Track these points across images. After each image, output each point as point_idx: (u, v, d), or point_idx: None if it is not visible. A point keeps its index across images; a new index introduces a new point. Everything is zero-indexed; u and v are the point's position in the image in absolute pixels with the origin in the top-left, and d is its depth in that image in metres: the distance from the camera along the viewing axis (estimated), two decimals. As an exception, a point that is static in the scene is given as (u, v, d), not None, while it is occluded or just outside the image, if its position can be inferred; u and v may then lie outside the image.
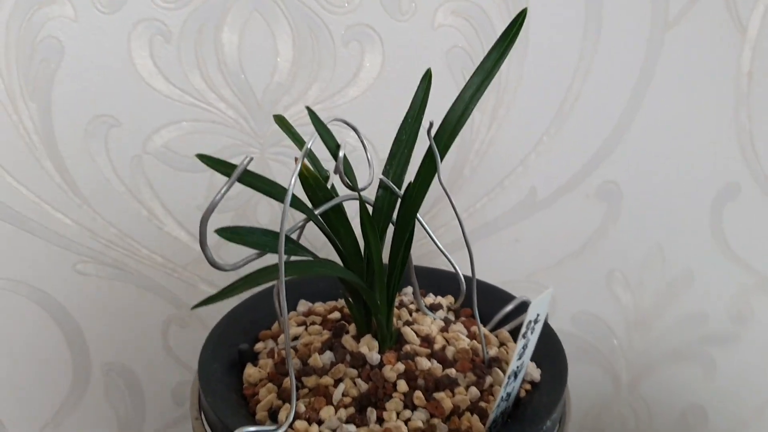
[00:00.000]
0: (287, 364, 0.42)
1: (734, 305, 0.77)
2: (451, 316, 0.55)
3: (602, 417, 0.83)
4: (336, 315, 0.54)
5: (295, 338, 0.52)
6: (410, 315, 0.52)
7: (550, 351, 0.50)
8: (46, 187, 0.64)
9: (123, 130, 0.63)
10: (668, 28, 0.64)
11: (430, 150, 0.45)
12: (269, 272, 0.40)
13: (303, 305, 0.58)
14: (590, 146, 0.69)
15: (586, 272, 0.74)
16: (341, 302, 0.57)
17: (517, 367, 0.44)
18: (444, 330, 0.52)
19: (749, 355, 0.80)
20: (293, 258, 0.48)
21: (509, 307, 0.55)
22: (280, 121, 0.48)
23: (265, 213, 0.68)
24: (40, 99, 0.61)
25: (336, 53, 0.63)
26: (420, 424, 0.44)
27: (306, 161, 0.44)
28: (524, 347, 0.43)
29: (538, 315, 0.42)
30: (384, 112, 0.65)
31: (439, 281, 0.59)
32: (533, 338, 0.44)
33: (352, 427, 0.43)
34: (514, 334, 0.54)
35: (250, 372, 0.48)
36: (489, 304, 0.55)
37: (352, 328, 0.51)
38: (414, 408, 0.45)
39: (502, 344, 0.52)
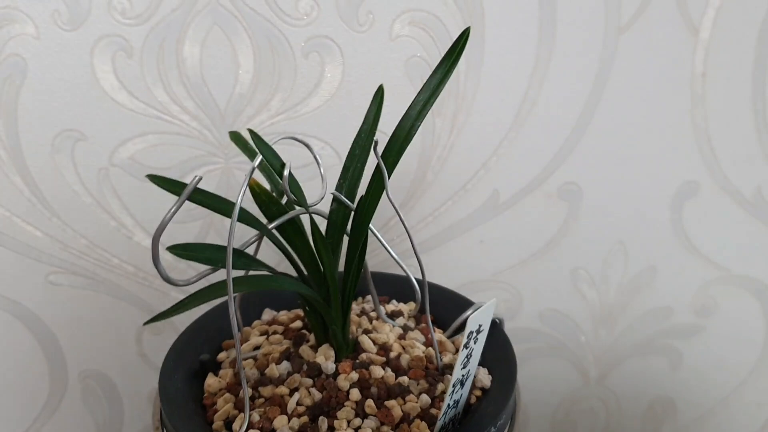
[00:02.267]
0: (239, 375, 0.44)
1: (698, 299, 0.79)
2: (411, 324, 0.56)
3: (572, 411, 0.85)
4: (298, 324, 0.55)
5: (257, 348, 0.53)
6: (370, 323, 0.54)
7: (502, 357, 0.51)
8: (15, 201, 0.65)
9: (89, 144, 0.65)
10: (621, 31, 0.66)
11: (377, 167, 0.46)
12: (218, 288, 0.42)
13: (268, 314, 0.59)
14: (550, 148, 0.70)
15: (551, 270, 0.76)
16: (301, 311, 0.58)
17: (463, 376, 0.45)
18: (402, 337, 0.53)
19: (714, 346, 0.81)
20: (250, 273, 0.49)
21: (467, 314, 0.56)
22: (236, 137, 0.49)
23: (215, 233, 0.69)
24: (7, 115, 0.62)
25: (296, 64, 0.64)
26: (369, 431, 0.45)
27: (256, 177, 0.45)
28: (468, 357, 0.44)
29: (480, 326, 0.44)
30: (346, 120, 0.66)
31: (403, 288, 0.60)
32: (477, 347, 0.45)
33: None
34: None
35: (210, 382, 0.50)
36: (448, 310, 0.56)
37: (312, 337, 0.52)
38: (365, 416, 0.46)
39: (458, 350, 0.54)
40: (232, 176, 0.67)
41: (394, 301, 0.59)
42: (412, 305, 0.59)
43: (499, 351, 0.51)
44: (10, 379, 0.72)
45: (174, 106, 0.64)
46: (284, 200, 0.48)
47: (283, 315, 0.58)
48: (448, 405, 0.45)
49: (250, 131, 0.47)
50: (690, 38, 0.67)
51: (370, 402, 0.46)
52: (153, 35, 0.61)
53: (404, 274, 0.53)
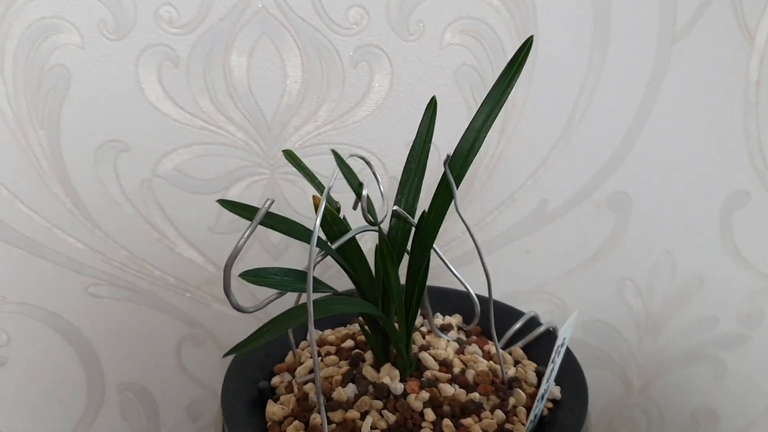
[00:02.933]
0: (318, 406, 0.42)
1: (744, 308, 0.77)
2: (462, 336, 0.55)
3: (614, 421, 0.84)
4: (349, 343, 0.54)
5: (311, 371, 0.52)
6: (423, 338, 0.53)
7: (567, 368, 0.50)
8: (56, 212, 0.64)
9: (132, 155, 0.63)
10: (676, 39, 0.64)
11: (444, 179, 0.45)
12: (297, 315, 0.41)
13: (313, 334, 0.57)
14: (599, 158, 0.69)
15: (597, 281, 0.75)
16: (351, 328, 0.57)
17: (545, 390, 0.45)
18: (459, 352, 0.52)
19: (759, 357, 0.80)
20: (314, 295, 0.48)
21: (519, 324, 0.56)
22: (290, 156, 0.48)
23: (276, 233, 0.68)
24: (49, 126, 0.61)
25: (345, 74, 0.62)
26: None
27: (320, 196, 0.44)
28: (552, 370, 0.44)
29: (564, 339, 0.43)
30: (393, 131, 0.65)
31: (446, 299, 0.59)
32: (559, 360, 0.44)
33: None
34: (527, 350, 0.55)
35: (274, 410, 0.48)
36: (497, 321, 0.55)
37: (368, 355, 0.51)
38: None
39: (517, 362, 0.53)
40: (278, 187, 0.66)
41: (438, 314, 0.58)
42: (457, 317, 0.58)
43: (564, 361, 0.50)
44: (48, 391, 0.72)
45: (220, 117, 0.63)
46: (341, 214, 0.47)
47: (330, 334, 0.57)
48: (531, 420, 0.45)
49: (333, 151, 0.46)
50: (745, 45, 0.65)
51: (447, 422, 0.45)
52: (200, 45, 0.60)
53: (451, 284, 0.52)
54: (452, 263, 0.69)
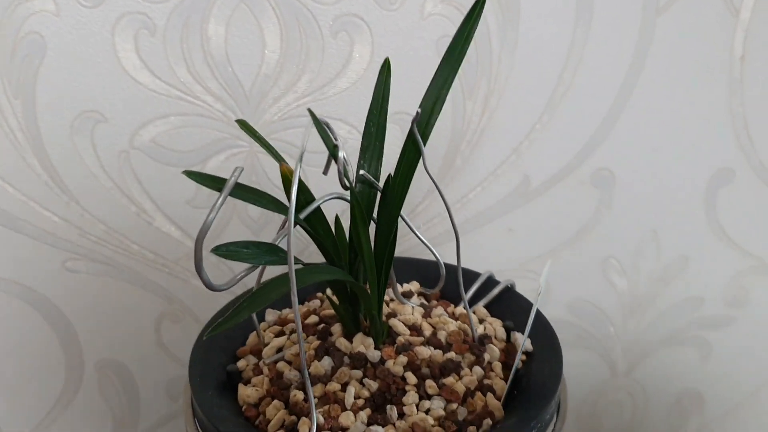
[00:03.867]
0: (303, 377, 0.42)
1: (729, 289, 0.77)
2: (424, 301, 0.55)
3: (599, 403, 0.83)
4: (313, 319, 0.53)
5: (279, 350, 0.50)
6: (388, 306, 0.52)
7: (534, 322, 0.50)
8: (32, 185, 0.63)
9: (109, 126, 0.62)
10: (659, 12, 0.63)
11: (411, 138, 0.44)
12: (277, 286, 0.39)
13: (271, 314, 0.56)
14: (583, 133, 0.68)
15: (581, 259, 0.74)
16: (311, 305, 0.56)
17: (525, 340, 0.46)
18: (426, 316, 0.52)
19: (744, 338, 0.80)
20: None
21: (478, 283, 0.56)
22: (244, 125, 0.47)
23: (255, 207, 0.67)
24: (24, 96, 0.60)
25: (324, 44, 0.62)
26: (442, 411, 0.44)
27: (288, 165, 0.43)
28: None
29: (541, 286, 0.43)
30: (374, 102, 0.64)
31: (401, 267, 0.59)
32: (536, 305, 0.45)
33: (380, 429, 0.43)
34: (488, 308, 0.55)
35: (248, 393, 0.47)
36: (453, 283, 0.54)
37: (335, 328, 0.50)
38: (429, 398, 0.45)
39: (482, 320, 0.53)
40: (257, 160, 0.65)
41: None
42: (415, 284, 0.58)
43: (523, 314, 0.50)
44: (25, 368, 0.71)
45: (197, 87, 0.62)
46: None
47: (290, 312, 0.55)
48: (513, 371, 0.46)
49: (309, 111, 0.45)
50: (730, 19, 0.64)
51: (430, 382, 0.45)
52: (177, 13, 0.59)
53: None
54: (433, 241, 0.68)
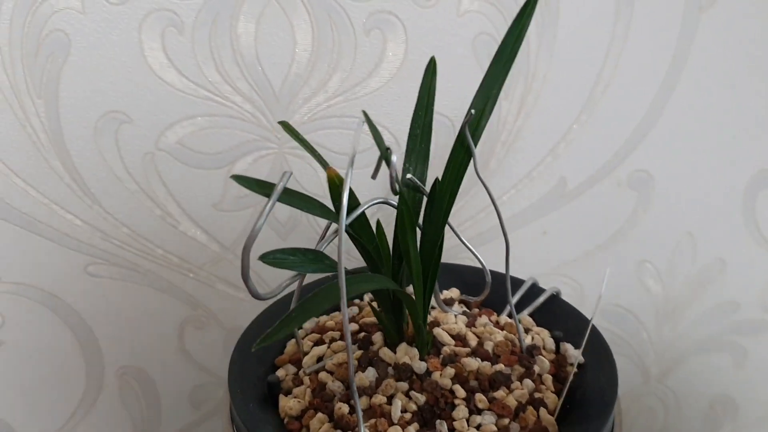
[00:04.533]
0: (350, 389, 0.40)
1: (766, 294, 0.75)
2: (466, 309, 0.53)
3: (630, 410, 0.81)
4: (353, 327, 0.51)
5: (320, 359, 0.48)
6: (429, 314, 0.50)
7: (582, 331, 0.48)
8: (54, 188, 0.61)
9: (134, 127, 0.61)
10: (703, 9, 0.61)
11: (460, 141, 0.42)
12: (328, 295, 0.37)
13: (309, 322, 0.54)
14: (621, 134, 0.66)
15: (615, 263, 0.72)
16: (349, 312, 0.54)
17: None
18: (470, 325, 0.50)
19: (781, 344, 0.78)
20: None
21: (522, 290, 0.54)
22: (287, 127, 0.45)
23: (283, 209, 0.65)
24: (48, 96, 0.58)
25: (357, 42, 0.60)
26: (493, 427, 0.42)
27: (334, 169, 0.41)
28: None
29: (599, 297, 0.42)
30: (408, 103, 0.62)
31: (442, 274, 0.56)
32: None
33: None
34: (534, 317, 0.53)
35: (290, 405, 0.45)
36: (495, 290, 0.53)
37: (376, 337, 0.48)
38: (479, 412, 0.43)
39: (527, 330, 0.51)
40: (286, 162, 0.63)
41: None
42: (454, 291, 0.56)
43: (572, 323, 0.49)
44: (45, 374, 0.69)
45: (226, 87, 0.60)
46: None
47: (328, 320, 0.53)
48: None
49: (364, 112, 0.43)
50: (775, 16, 0.62)
51: (480, 396, 0.43)
52: (206, 10, 0.57)
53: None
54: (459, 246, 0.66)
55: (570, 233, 0.70)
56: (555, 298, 0.54)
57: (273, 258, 0.38)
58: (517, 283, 0.55)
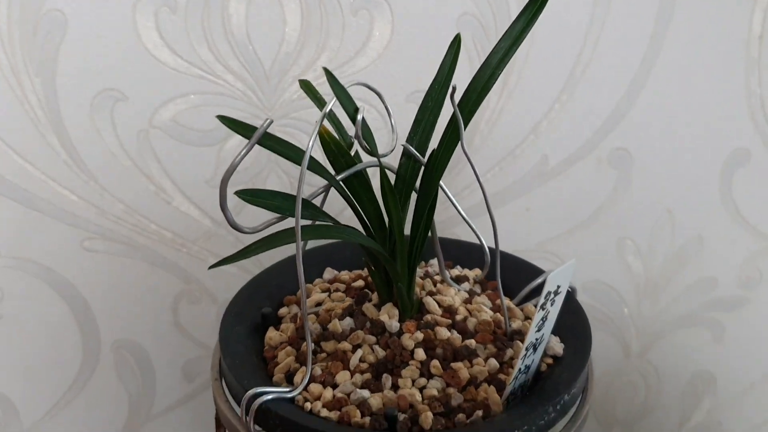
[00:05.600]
0: (305, 327, 0.42)
1: (743, 270, 0.77)
2: (477, 289, 0.55)
3: (612, 385, 0.83)
4: (360, 283, 0.54)
5: (318, 304, 0.52)
6: (434, 286, 0.52)
7: (575, 325, 0.50)
8: (51, 164, 0.63)
9: (129, 104, 0.63)
10: (680, -10, 0.64)
11: (453, 117, 0.44)
12: (287, 235, 0.40)
13: (329, 272, 0.58)
14: (601, 113, 0.68)
15: (597, 240, 0.74)
16: (365, 271, 0.57)
17: (536, 339, 0.44)
18: (468, 302, 0.52)
19: (758, 319, 0.80)
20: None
21: (537, 281, 0.54)
22: (305, 85, 0.47)
23: (275, 185, 0.67)
24: (45, 74, 0.60)
25: (344, 22, 0.62)
26: (435, 392, 0.44)
27: (328, 127, 0.43)
28: (543, 319, 0.43)
29: (558, 287, 0.42)
30: (394, 82, 0.64)
31: (469, 253, 0.58)
32: (553, 310, 0.44)
33: (366, 392, 0.43)
34: None
35: (272, 335, 0.49)
36: (517, 278, 0.55)
37: (375, 296, 0.50)
38: (430, 377, 0.45)
39: (527, 318, 0.52)
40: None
41: (458, 267, 0.58)
42: (477, 272, 0.57)
43: (571, 319, 0.50)
44: (42, 348, 0.71)
45: (218, 65, 0.62)
46: (353, 151, 0.46)
47: (345, 274, 0.57)
48: (520, 369, 0.44)
49: (325, 69, 0.45)
50: (749, -1, 0.65)
51: (435, 363, 0.45)
52: (199, -10, 0.59)
53: (470, 240, 0.51)
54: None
55: (552, 210, 0.72)
56: (568, 294, 0.54)
57: (250, 195, 0.40)
58: (536, 272, 0.56)
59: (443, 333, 0.47)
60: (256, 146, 0.41)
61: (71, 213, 0.65)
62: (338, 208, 0.65)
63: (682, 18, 0.65)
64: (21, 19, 0.58)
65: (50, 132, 0.62)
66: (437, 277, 0.53)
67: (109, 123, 0.63)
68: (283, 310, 0.53)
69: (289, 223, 0.42)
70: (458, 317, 0.49)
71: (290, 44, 0.62)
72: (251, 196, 0.41)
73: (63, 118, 0.62)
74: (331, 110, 0.44)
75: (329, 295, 0.52)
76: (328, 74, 0.45)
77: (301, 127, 0.65)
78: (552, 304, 0.43)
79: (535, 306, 0.53)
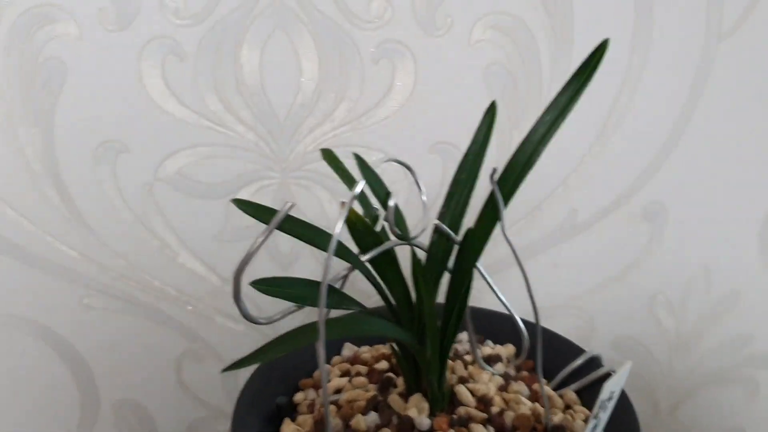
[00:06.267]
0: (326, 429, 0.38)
1: (781, 326, 0.73)
2: (511, 371, 0.50)
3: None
4: (383, 365, 0.49)
5: (338, 391, 0.47)
6: (465, 368, 0.48)
7: (623, 422, 0.45)
8: (50, 219, 0.59)
9: (132, 156, 0.58)
10: (722, 38, 0.59)
11: (492, 197, 0.40)
12: (308, 333, 0.36)
13: (348, 349, 0.53)
14: (635, 165, 0.64)
15: (628, 295, 0.70)
16: (388, 348, 0.52)
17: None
18: (503, 389, 0.47)
19: (794, 377, 0.76)
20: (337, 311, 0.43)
21: (577, 362, 0.50)
22: (328, 156, 0.43)
23: (285, 241, 0.63)
24: (43, 124, 0.56)
25: (364, 71, 0.58)
26: None
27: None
28: (594, 427, 0.38)
29: (612, 393, 0.38)
30: (416, 134, 0.60)
31: (500, 325, 0.53)
32: (605, 416, 0.39)
33: None
34: (582, 394, 0.49)
35: (289, 430, 0.44)
36: (553, 356, 0.49)
37: (400, 381, 0.46)
38: None
39: (567, 407, 0.48)
40: (289, 193, 0.61)
41: (489, 342, 0.53)
42: (510, 348, 0.53)
43: (621, 416, 0.45)
44: (39, 408, 0.66)
45: (228, 116, 0.58)
46: (378, 226, 0.42)
47: (366, 352, 0.52)
48: None
49: (355, 155, 0.41)
50: (795, 47, 0.61)
51: None
52: (209, 38, 0.55)
53: (497, 308, 0.47)
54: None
55: (581, 265, 0.68)
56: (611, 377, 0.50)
57: (268, 285, 0.36)
58: (574, 351, 0.51)
59: (479, 431, 0.42)
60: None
61: (71, 269, 0.61)
62: (361, 287, 0.62)
63: (721, 67, 0.61)
64: (18, 67, 0.54)
65: (49, 185, 0.58)
66: (468, 357, 0.49)
67: (111, 176, 0.59)
68: (298, 396, 0.48)
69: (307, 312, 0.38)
70: (494, 409, 0.44)
71: (306, 94, 0.58)
72: (268, 285, 0.37)
73: (61, 171, 0.58)
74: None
75: (350, 380, 0.48)
76: (358, 159, 0.41)
77: (318, 180, 0.61)
78: (604, 411, 0.38)
79: (577, 392, 0.49)
